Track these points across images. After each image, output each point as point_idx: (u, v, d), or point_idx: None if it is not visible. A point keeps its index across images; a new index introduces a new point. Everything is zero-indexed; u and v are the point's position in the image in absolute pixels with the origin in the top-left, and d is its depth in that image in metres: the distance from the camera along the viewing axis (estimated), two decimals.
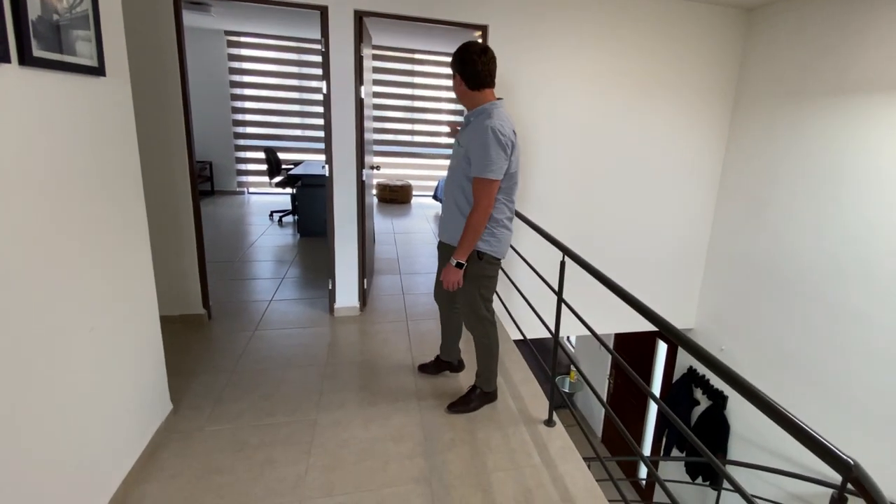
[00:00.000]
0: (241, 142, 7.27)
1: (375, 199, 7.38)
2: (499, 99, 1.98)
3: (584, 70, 3.44)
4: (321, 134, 6.89)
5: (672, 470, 4.61)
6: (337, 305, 3.29)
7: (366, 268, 3.36)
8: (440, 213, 2.40)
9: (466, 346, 2.62)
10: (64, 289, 1.41)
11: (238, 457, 1.94)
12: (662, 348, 5.03)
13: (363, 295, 3.36)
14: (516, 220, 2.71)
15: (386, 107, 7.55)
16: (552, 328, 2.28)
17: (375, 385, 2.50)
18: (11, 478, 1.21)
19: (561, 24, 3.30)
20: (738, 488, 1.16)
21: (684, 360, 4.52)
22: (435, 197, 7.21)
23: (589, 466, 2.03)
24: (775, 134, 3.51)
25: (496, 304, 2.43)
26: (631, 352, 5.53)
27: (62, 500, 1.42)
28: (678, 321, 4.18)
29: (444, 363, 2.59)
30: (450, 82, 6.95)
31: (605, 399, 6.01)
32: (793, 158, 3.40)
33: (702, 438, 4.00)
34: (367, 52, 3.15)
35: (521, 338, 2.94)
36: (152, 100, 2.69)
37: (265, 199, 7.14)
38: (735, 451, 3.88)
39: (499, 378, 2.48)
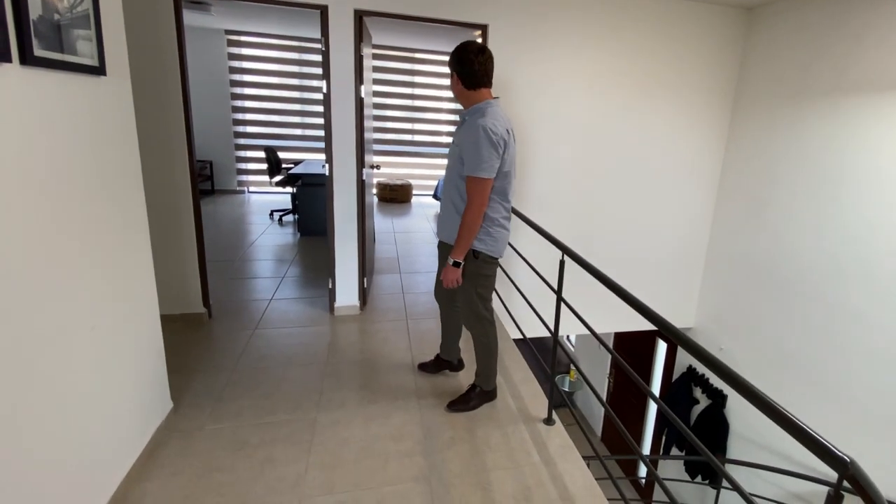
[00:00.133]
0: (242, 141, 7.27)
1: (375, 199, 7.38)
2: (495, 98, 1.99)
3: (584, 70, 3.44)
4: (321, 133, 6.88)
5: (671, 469, 4.62)
6: (337, 304, 3.29)
7: (366, 267, 3.37)
8: (439, 212, 2.40)
9: (466, 345, 2.62)
10: (64, 288, 1.41)
11: (238, 455, 1.94)
12: (662, 347, 5.04)
13: (363, 294, 3.37)
14: (516, 220, 2.71)
15: (386, 106, 7.55)
16: (552, 327, 2.28)
17: (375, 384, 2.50)
18: (13, 477, 1.21)
19: (561, 24, 3.30)
20: (737, 487, 1.17)
21: (684, 359, 4.52)
22: (435, 196, 7.21)
23: (588, 465, 2.03)
24: (775, 134, 3.51)
25: (496, 303, 2.43)
26: (630, 351, 5.53)
27: (63, 499, 1.43)
28: (678, 321, 4.18)
29: (444, 362, 2.59)
30: (449, 81, 6.93)
31: (604, 398, 6.02)
32: (792, 158, 3.40)
33: (701, 437, 4.01)
34: (367, 51, 3.15)
35: (521, 337, 2.94)
36: (153, 99, 2.69)
37: (265, 198, 7.14)
38: (734, 449, 3.89)
39: (498, 377, 2.48)
